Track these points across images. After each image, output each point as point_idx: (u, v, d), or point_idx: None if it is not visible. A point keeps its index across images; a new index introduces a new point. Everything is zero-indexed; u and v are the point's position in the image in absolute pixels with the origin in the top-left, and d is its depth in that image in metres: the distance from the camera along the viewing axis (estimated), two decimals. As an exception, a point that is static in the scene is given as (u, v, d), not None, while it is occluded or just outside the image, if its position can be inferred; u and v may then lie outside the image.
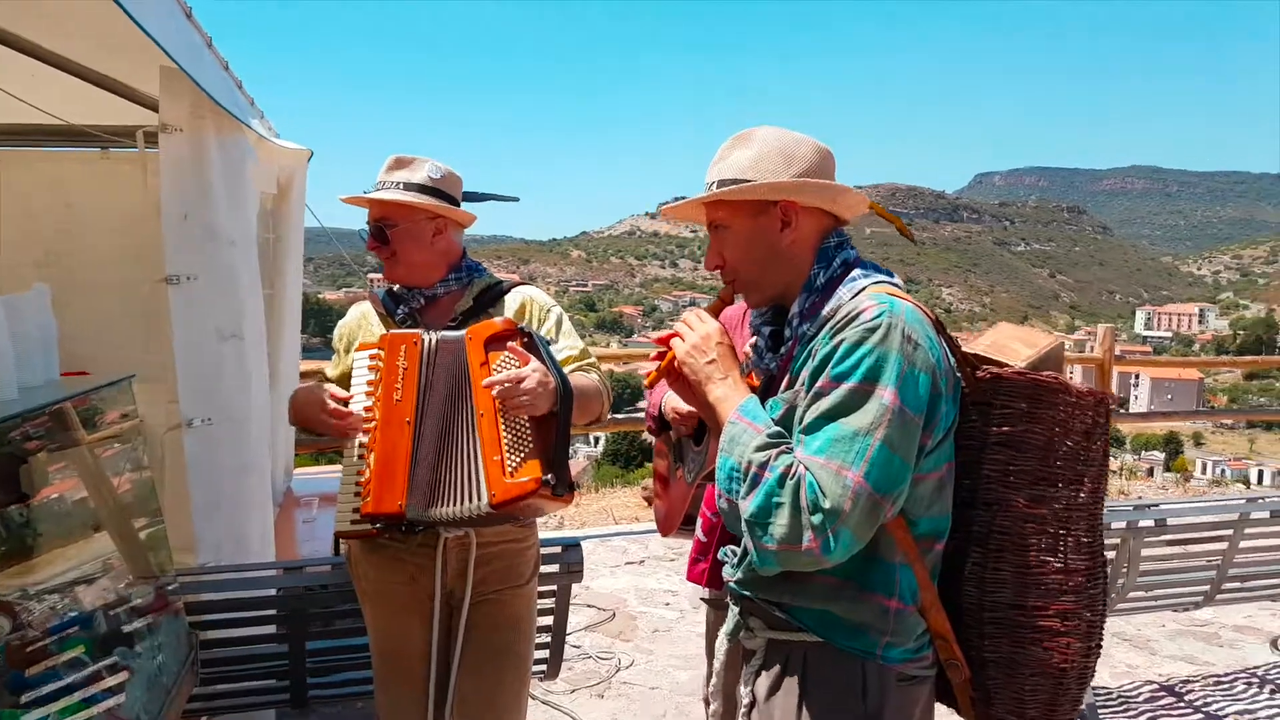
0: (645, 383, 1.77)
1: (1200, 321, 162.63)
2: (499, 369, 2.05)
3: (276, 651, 2.61)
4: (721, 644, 1.68)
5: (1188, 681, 4.09)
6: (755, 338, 1.69)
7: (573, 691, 3.81)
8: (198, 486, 2.93)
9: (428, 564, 2.20)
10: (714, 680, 1.70)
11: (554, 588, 2.78)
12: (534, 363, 2.04)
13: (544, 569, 2.52)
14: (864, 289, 1.50)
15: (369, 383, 2.17)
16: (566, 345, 2.32)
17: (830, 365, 1.41)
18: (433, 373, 2.12)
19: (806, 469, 1.36)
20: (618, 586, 5.15)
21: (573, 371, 2.22)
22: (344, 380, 2.29)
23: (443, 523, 2.08)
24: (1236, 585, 3.72)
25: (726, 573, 1.64)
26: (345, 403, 2.16)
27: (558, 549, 2.76)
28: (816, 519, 1.33)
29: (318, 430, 2.22)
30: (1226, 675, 4.18)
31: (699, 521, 1.76)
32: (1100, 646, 1.53)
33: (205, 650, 2.48)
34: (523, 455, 2.01)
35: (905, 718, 1.51)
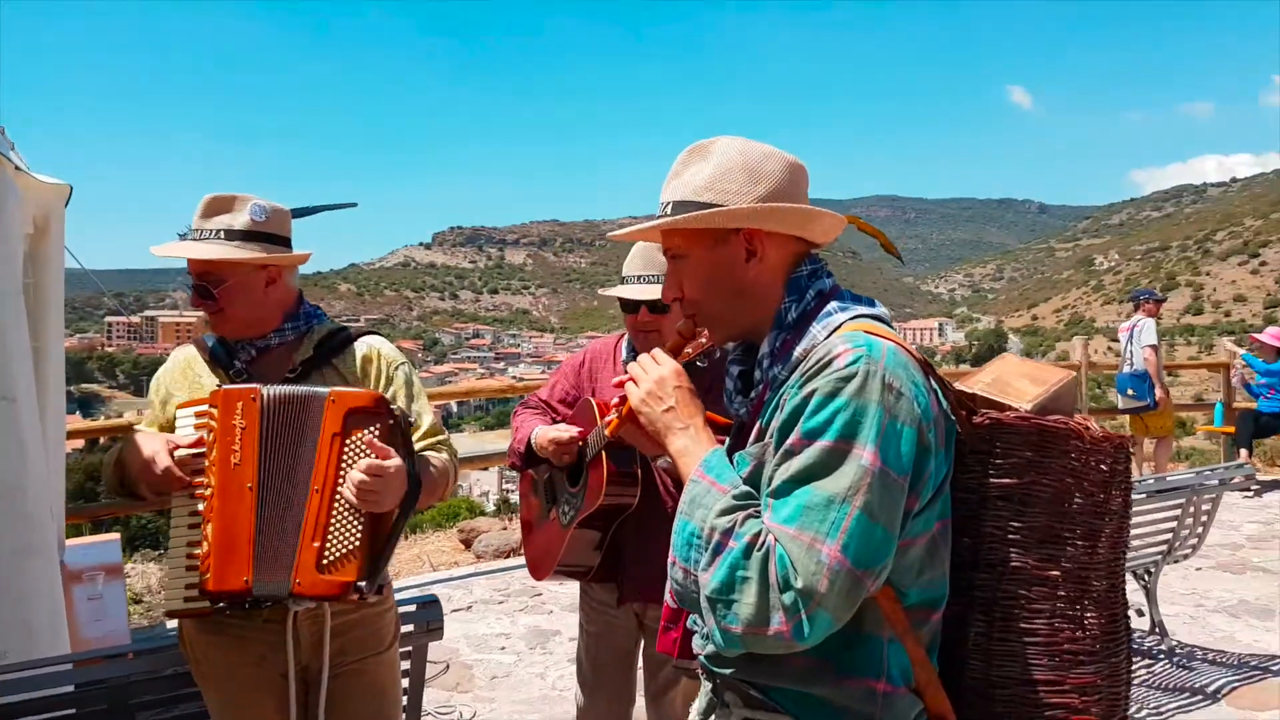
0: (607, 433, 1.56)
1: (940, 334, 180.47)
2: (353, 449, 1.90)
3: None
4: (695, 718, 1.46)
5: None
6: (726, 378, 1.50)
7: (415, 753, 3.59)
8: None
9: (277, 641, 2.00)
10: None
11: (409, 648, 2.62)
12: (395, 458, 1.89)
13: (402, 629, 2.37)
14: (839, 326, 1.32)
15: (197, 443, 1.96)
16: (422, 419, 2.17)
17: (801, 419, 1.22)
18: (277, 430, 1.93)
19: (777, 540, 1.18)
20: (448, 636, 4.91)
21: (423, 450, 2.10)
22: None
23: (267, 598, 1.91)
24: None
25: (696, 644, 1.44)
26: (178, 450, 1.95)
27: (412, 607, 2.59)
28: (788, 598, 1.15)
29: (149, 489, 1.99)
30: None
31: (670, 584, 1.47)
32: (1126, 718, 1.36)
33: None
34: (344, 550, 1.88)
35: None
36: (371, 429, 1.92)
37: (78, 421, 5.95)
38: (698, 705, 1.47)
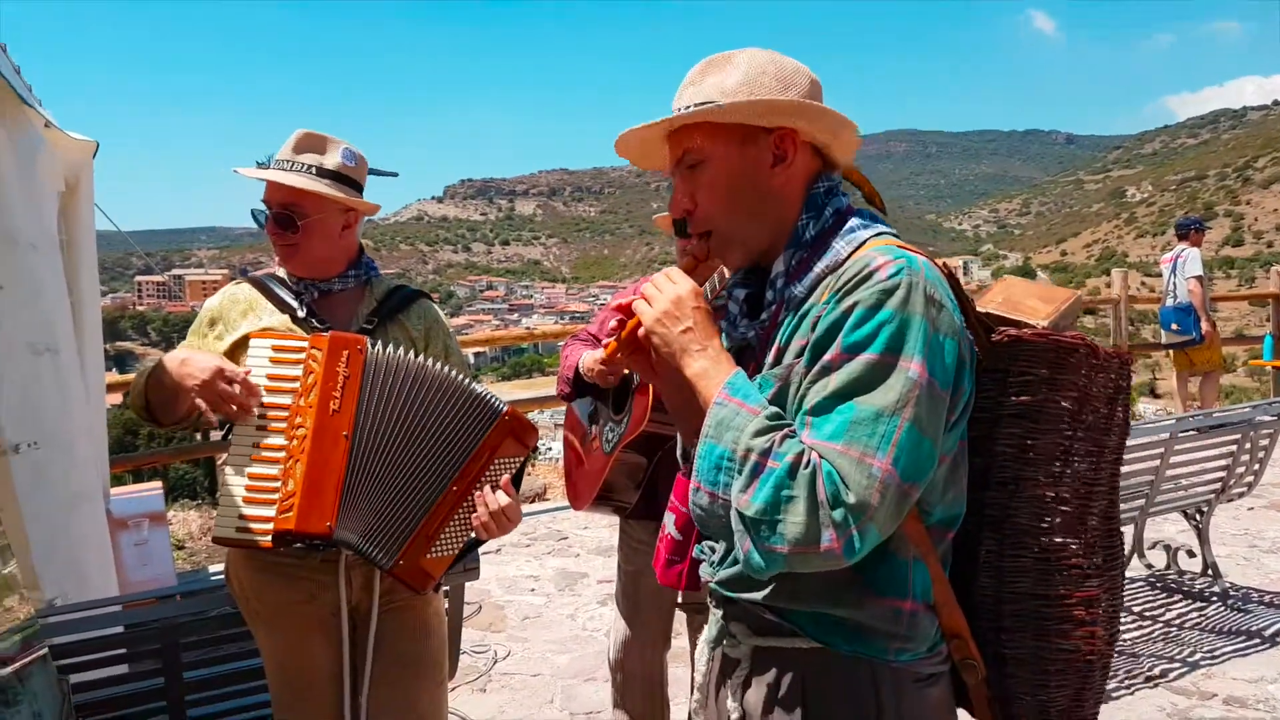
0: (603, 356, 1.48)
1: (965, 273, 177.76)
2: (495, 471, 1.95)
3: (154, 688, 2.38)
4: (703, 653, 1.46)
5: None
6: (729, 301, 1.44)
7: (453, 689, 3.72)
8: (33, 519, 2.61)
9: (329, 580, 2.05)
10: (697, 695, 1.48)
11: (447, 587, 2.70)
12: (515, 497, 1.95)
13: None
14: (864, 242, 1.28)
15: (274, 377, 1.94)
16: None
17: (841, 334, 1.18)
18: (386, 389, 1.94)
19: (822, 457, 1.15)
20: (479, 578, 5.05)
21: None
22: None
23: (360, 553, 1.95)
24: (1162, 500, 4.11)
25: (704, 572, 1.41)
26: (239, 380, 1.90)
27: (449, 546, 2.66)
28: (838, 514, 1.12)
29: (183, 410, 1.95)
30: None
31: (670, 516, 1.49)
32: (1119, 632, 1.39)
33: (77, 694, 2.23)
34: (446, 552, 1.94)
35: None
36: (515, 460, 1.97)
37: (114, 377, 6.06)
38: (707, 634, 1.45)
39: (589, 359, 2.51)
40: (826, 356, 1.19)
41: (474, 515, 1.93)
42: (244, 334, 2.06)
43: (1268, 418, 4.39)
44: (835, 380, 1.17)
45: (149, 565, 4.00)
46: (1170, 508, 4.49)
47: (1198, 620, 4.19)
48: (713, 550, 1.39)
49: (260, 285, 2.16)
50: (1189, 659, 3.78)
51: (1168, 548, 4.83)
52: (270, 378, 1.95)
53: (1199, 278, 8.22)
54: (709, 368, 1.28)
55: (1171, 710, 3.39)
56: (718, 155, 1.32)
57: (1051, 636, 1.30)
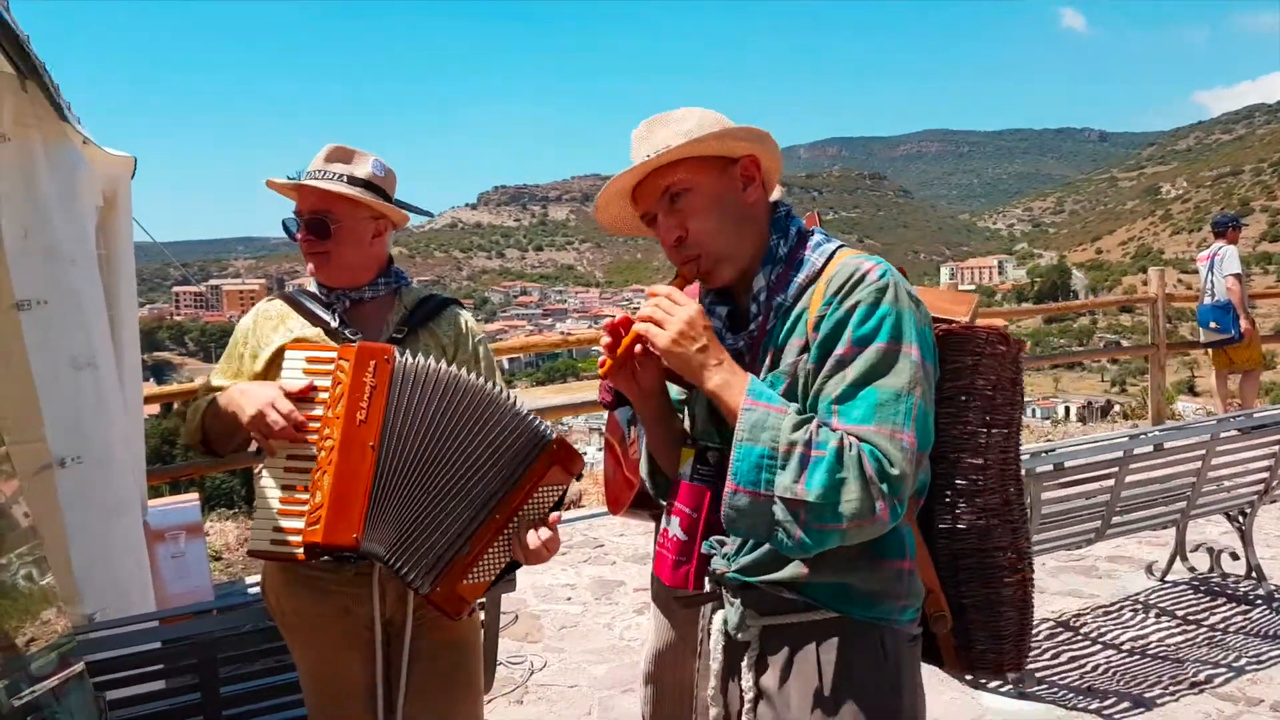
0: (600, 372, 1.60)
1: (1000, 273, 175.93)
2: (537, 500, 1.93)
3: (191, 703, 2.38)
4: (718, 641, 1.57)
5: (1079, 615, 4.37)
6: (710, 317, 1.53)
7: (489, 701, 3.69)
8: (75, 532, 2.63)
9: (363, 594, 2.04)
10: (714, 682, 1.57)
11: (483, 600, 2.67)
12: (555, 529, 1.94)
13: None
14: (833, 253, 1.48)
15: (315, 389, 1.93)
16: None
17: (849, 329, 1.36)
18: (414, 399, 1.91)
19: (859, 439, 1.32)
20: (515, 589, 5.04)
21: None
22: None
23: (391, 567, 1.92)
24: (1121, 520, 4.02)
25: (719, 564, 1.53)
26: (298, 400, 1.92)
27: (485, 558, 2.64)
28: (885, 487, 1.30)
29: (239, 442, 1.99)
30: (1113, 605, 4.48)
31: (675, 520, 1.52)
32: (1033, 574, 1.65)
33: (113, 710, 2.23)
34: (482, 579, 1.91)
35: (916, 679, 1.51)
36: (556, 489, 1.95)
37: (152, 388, 6.12)
38: (729, 623, 1.54)
39: None
40: (838, 351, 1.37)
41: (514, 543, 1.91)
42: (279, 347, 2.06)
43: (1311, 417, 4.29)
44: (853, 370, 1.35)
45: (186, 577, 4.02)
46: (1213, 510, 4.41)
47: (1242, 624, 4.09)
48: (722, 544, 1.52)
49: (290, 300, 2.17)
50: (1234, 664, 3.69)
51: (1211, 550, 4.74)
52: (315, 390, 1.95)
53: (1237, 275, 8.06)
54: (729, 378, 1.41)
55: (1217, 716, 3.31)
56: (701, 183, 1.49)
57: (997, 584, 1.56)
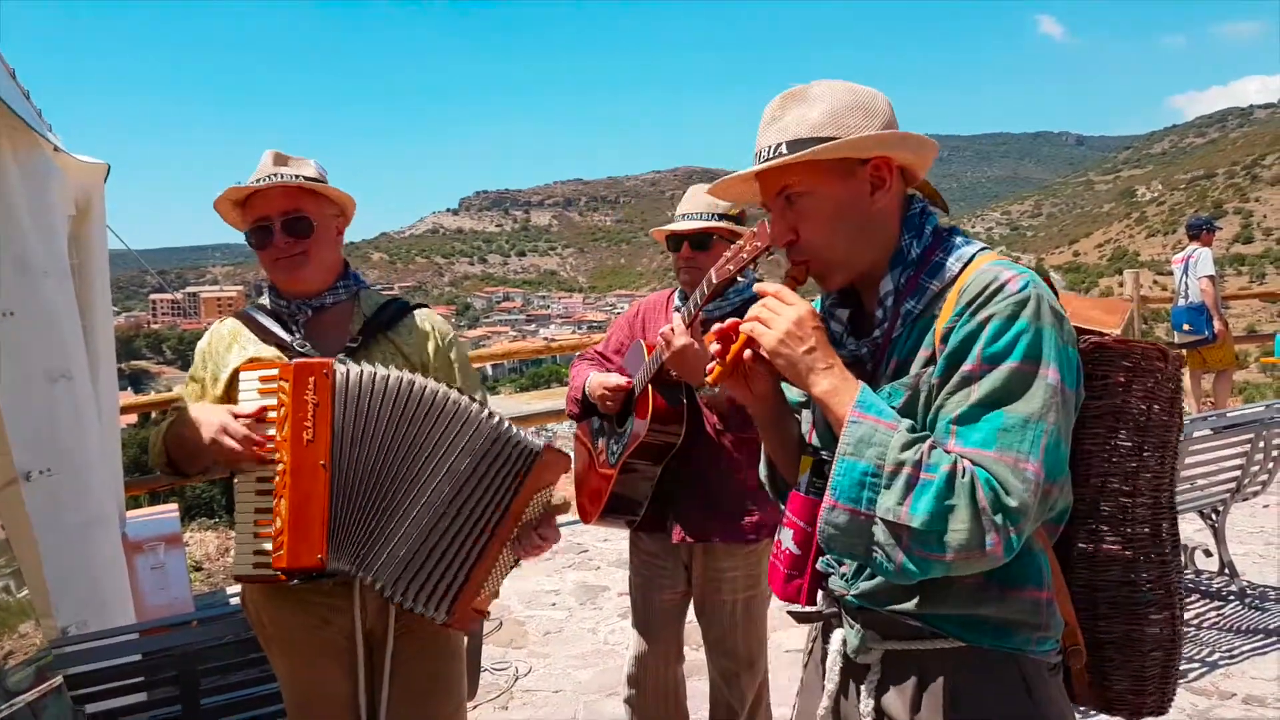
0: (709, 379, 1.51)
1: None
2: (536, 506, 1.98)
3: (172, 715, 2.36)
4: (836, 662, 1.46)
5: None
6: (829, 322, 1.47)
7: (474, 708, 3.68)
8: (47, 547, 2.60)
9: (344, 605, 2.03)
10: (826, 702, 1.47)
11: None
12: (554, 524, 2.02)
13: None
14: (972, 257, 1.36)
15: (264, 408, 1.92)
16: (474, 395, 2.14)
17: (979, 345, 1.24)
18: (362, 411, 1.90)
19: (975, 464, 1.21)
20: (499, 595, 5.03)
21: None
22: None
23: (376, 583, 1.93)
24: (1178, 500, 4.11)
25: (837, 585, 1.44)
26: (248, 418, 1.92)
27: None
28: (1000, 519, 1.19)
29: (204, 464, 1.98)
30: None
31: (789, 532, 1.46)
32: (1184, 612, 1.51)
33: (93, 728, 2.21)
34: (492, 589, 1.98)
35: (1061, 710, 1.39)
36: (550, 490, 1.99)
37: (129, 397, 6.06)
38: (848, 645, 1.44)
39: (593, 383, 2.54)
40: (966, 367, 1.26)
41: (518, 547, 1.96)
42: (234, 368, 2.04)
43: (1280, 416, 4.35)
44: (979, 390, 1.24)
45: (166, 589, 3.98)
46: (1186, 508, 4.46)
47: (1215, 620, 4.15)
48: (840, 562, 1.43)
49: (244, 317, 2.14)
50: (1207, 659, 3.74)
51: (1184, 547, 4.77)
52: (262, 409, 1.94)
53: (1210, 277, 8.24)
54: (837, 384, 1.32)
55: (1191, 711, 3.34)
56: (819, 190, 1.38)
57: (1142, 620, 1.41)
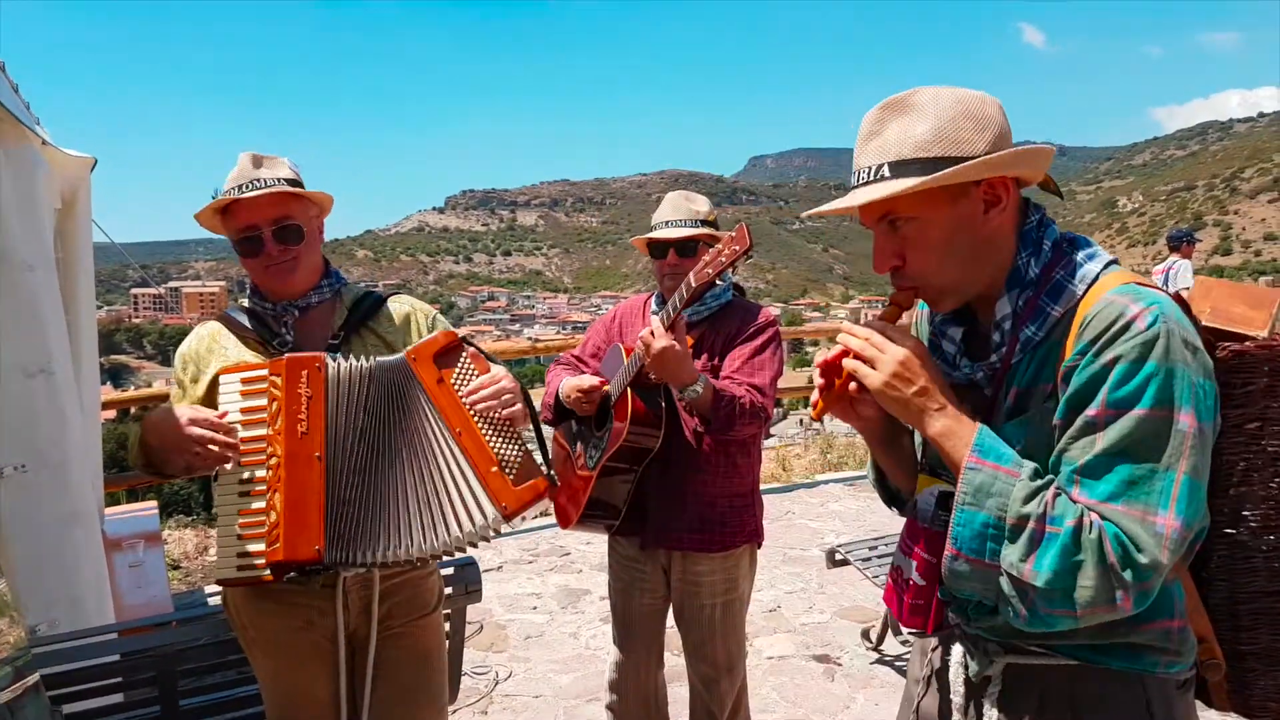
0: (812, 415, 1.46)
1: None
2: (461, 380, 1.92)
3: (150, 715, 2.34)
4: (958, 674, 1.43)
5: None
6: (941, 339, 1.43)
7: (454, 712, 3.67)
8: (19, 543, 2.57)
9: (326, 606, 2.02)
10: (957, 717, 1.45)
11: (448, 610, 2.66)
12: (496, 367, 1.95)
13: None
14: (1097, 277, 1.26)
15: (247, 410, 1.93)
16: None
17: (1105, 389, 1.17)
18: (349, 401, 1.92)
19: (1103, 518, 1.15)
20: (481, 599, 5.01)
21: None
22: None
23: (390, 565, 1.92)
24: None
25: (958, 616, 1.41)
26: (215, 427, 1.89)
27: (450, 570, 2.63)
28: (1129, 575, 1.13)
29: (180, 464, 1.94)
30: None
31: (913, 564, 1.39)
32: None
33: (70, 729, 2.19)
34: (519, 459, 1.90)
35: None
36: (463, 360, 1.95)
37: (110, 392, 5.99)
38: (971, 668, 1.41)
39: (567, 386, 2.53)
40: (1091, 412, 1.18)
41: (492, 419, 1.91)
42: (215, 372, 2.03)
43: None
44: (1106, 438, 1.16)
45: (144, 587, 3.94)
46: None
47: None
48: (958, 602, 1.38)
49: (225, 320, 2.14)
50: None
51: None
52: (244, 411, 1.93)
53: (1189, 289, 8.33)
54: (952, 426, 1.25)
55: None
56: (927, 215, 1.28)
57: None
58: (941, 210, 1.27)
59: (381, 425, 1.93)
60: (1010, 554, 1.18)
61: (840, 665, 3.98)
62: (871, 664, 3.96)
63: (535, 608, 4.81)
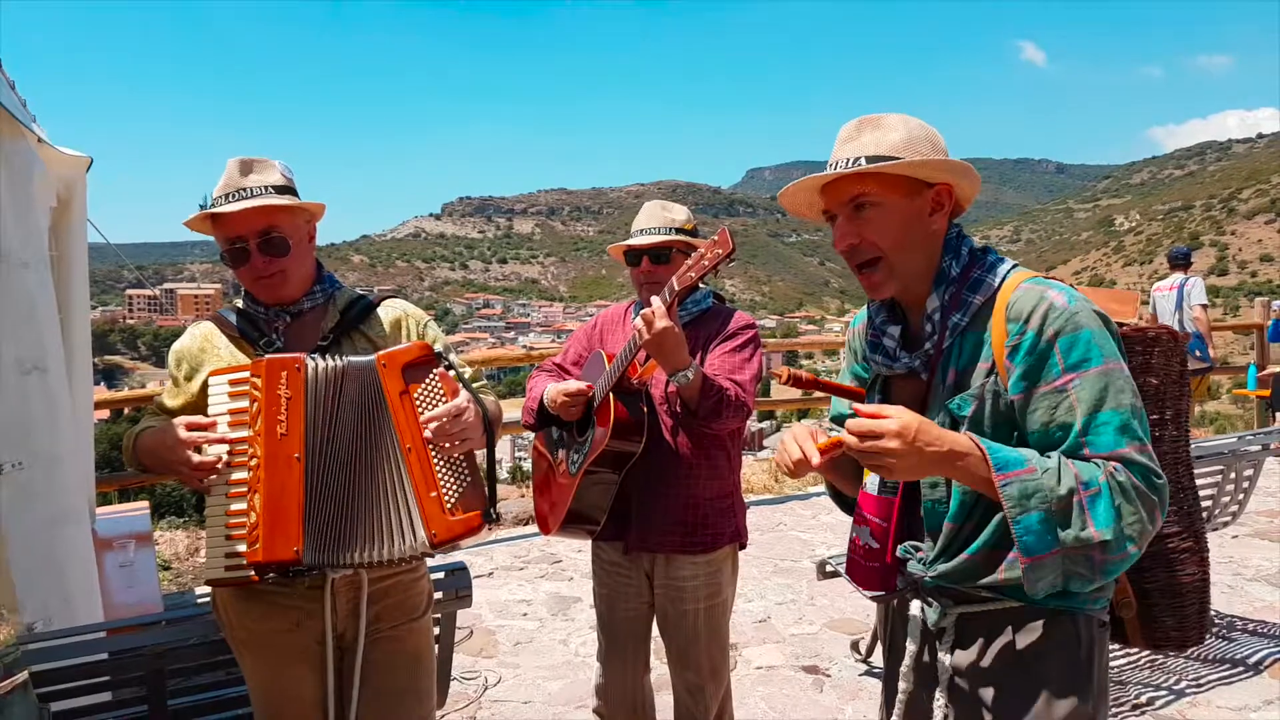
0: (817, 461, 1.54)
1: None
2: (424, 399, 1.92)
3: (138, 716, 2.33)
4: (916, 626, 1.64)
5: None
6: (882, 337, 1.65)
7: (443, 716, 3.66)
8: (15, 541, 2.57)
9: (314, 608, 2.02)
10: (909, 660, 1.64)
11: (438, 615, 2.65)
12: (463, 393, 1.93)
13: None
14: (1008, 275, 1.54)
15: (234, 411, 1.95)
16: (463, 371, 2.20)
17: (1059, 359, 1.43)
18: (326, 402, 1.93)
19: (1119, 463, 1.40)
20: (471, 604, 5.00)
21: None
22: (190, 411, 2.05)
23: (355, 566, 1.93)
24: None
25: (915, 569, 1.60)
26: (207, 430, 1.93)
27: (441, 574, 2.62)
28: (1156, 496, 1.40)
29: (168, 473, 1.99)
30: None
31: (865, 530, 1.60)
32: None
33: (58, 727, 2.18)
34: (461, 490, 1.90)
35: (1105, 663, 1.58)
36: (431, 376, 1.94)
37: (103, 392, 5.98)
38: (929, 618, 1.61)
39: (553, 391, 2.54)
40: (1055, 382, 1.44)
41: (441, 446, 1.90)
42: (207, 374, 2.04)
43: (1252, 448, 4.37)
44: (1081, 398, 1.42)
45: (135, 587, 3.93)
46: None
47: (1185, 648, 4.16)
48: (916, 549, 1.60)
49: (218, 320, 2.15)
50: (1174, 687, 3.76)
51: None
52: (231, 412, 1.95)
53: (1205, 305, 8.18)
54: (965, 462, 1.42)
55: (1160, 740, 3.36)
56: (890, 201, 1.54)
57: (1178, 568, 1.66)
58: (901, 201, 1.54)
59: (351, 426, 1.94)
60: (1072, 530, 1.38)
61: (829, 676, 3.99)
62: (860, 675, 3.96)
63: (526, 614, 4.81)
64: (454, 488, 1.90)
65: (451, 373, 1.97)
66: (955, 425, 1.52)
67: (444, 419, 1.89)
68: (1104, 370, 1.42)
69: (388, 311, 2.19)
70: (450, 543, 1.89)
